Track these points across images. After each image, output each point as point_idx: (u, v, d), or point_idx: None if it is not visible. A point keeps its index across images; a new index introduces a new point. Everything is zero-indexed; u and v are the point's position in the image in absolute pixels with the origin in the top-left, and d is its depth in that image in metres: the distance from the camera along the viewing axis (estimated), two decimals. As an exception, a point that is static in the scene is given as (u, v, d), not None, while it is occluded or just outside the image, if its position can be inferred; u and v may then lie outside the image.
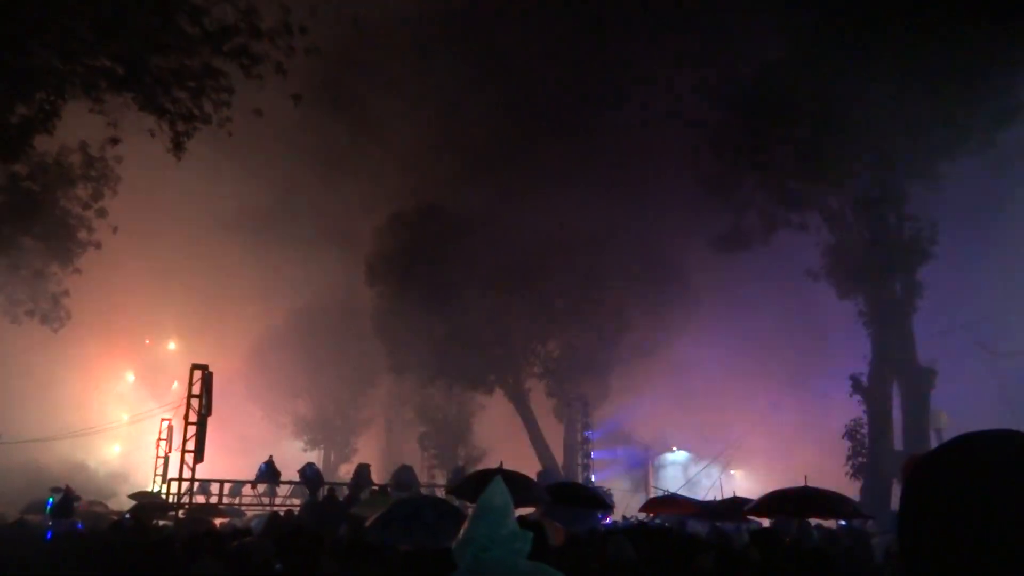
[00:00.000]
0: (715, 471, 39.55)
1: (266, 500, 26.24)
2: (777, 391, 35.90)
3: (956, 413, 26.57)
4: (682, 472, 40.77)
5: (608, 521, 22.48)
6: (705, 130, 29.27)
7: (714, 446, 39.82)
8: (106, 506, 27.11)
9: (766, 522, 14.65)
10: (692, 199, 31.11)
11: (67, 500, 22.40)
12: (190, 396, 26.19)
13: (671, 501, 19.08)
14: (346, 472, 28.92)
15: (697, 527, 16.95)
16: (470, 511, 3.46)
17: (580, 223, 33.78)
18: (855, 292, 27.18)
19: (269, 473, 25.87)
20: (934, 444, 22.41)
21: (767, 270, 31.68)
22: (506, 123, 33.60)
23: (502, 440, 33.58)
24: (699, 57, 29.73)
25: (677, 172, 33.05)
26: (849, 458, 26.64)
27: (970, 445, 1.32)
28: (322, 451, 43.92)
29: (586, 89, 33.65)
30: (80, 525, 17.76)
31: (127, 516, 17.98)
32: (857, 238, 27.18)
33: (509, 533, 3.25)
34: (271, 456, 26.49)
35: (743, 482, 35.38)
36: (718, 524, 16.24)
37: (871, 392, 26.45)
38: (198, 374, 26.46)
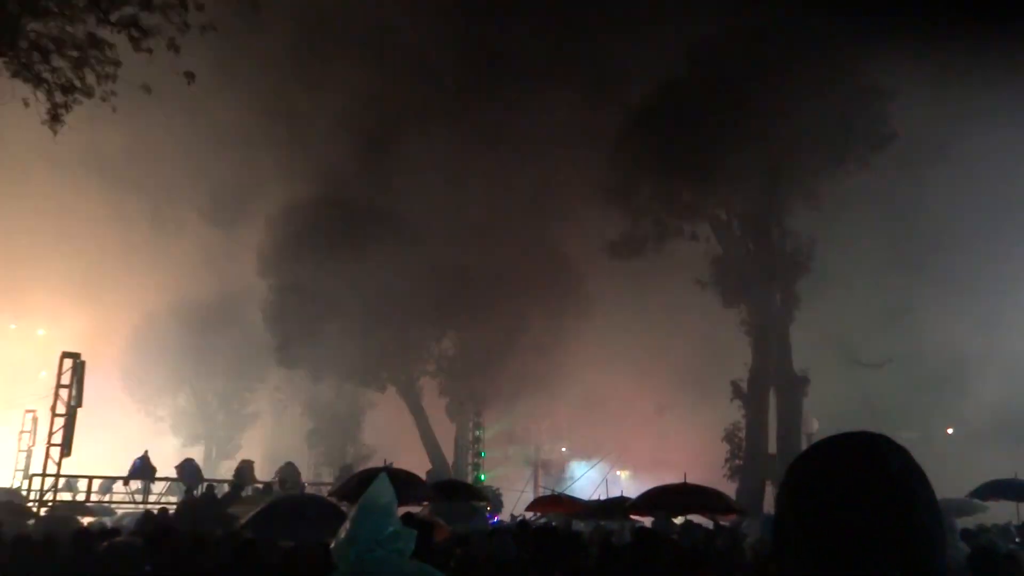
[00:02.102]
0: (603, 472, 40.56)
1: (139, 498, 24.96)
2: (664, 394, 37.10)
3: (825, 419, 28.32)
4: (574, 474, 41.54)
5: (495, 520, 22.65)
6: (605, 136, 29.99)
7: (603, 447, 40.83)
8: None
9: (648, 520, 15.13)
10: (590, 203, 31.78)
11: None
12: (59, 386, 24.65)
13: (557, 500, 19.43)
14: (228, 469, 27.88)
15: (581, 526, 17.33)
16: (352, 510, 3.39)
17: (475, 219, 33.94)
18: (739, 301, 28.46)
19: (143, 469, 24.68)
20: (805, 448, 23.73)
21: (660, 277, 32.71)
22: (398, 106, 33.56)
23: (393, 438, 33.21)
24: (598, 64, 30.52)
25: (574, 176, 33.71)
26: (727, 460, 27.84)
27: (832, 447, 1.40)
28: (203, 447, 42.15)
29: (482, 77, 33.82)
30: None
31: None
32: (742, 250, 28.50)
33: (392, 532, 3.21)
34: (146, 451, 25.25)
35: (629, 483, 36.36)
36: (602, 522, 16.64)
37: (750, 397, 27.75)
38: (69, 363, 24.93)
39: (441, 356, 34.11)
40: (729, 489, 24.74)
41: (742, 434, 27.96)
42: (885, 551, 1.23)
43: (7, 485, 26.87)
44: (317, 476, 33.13)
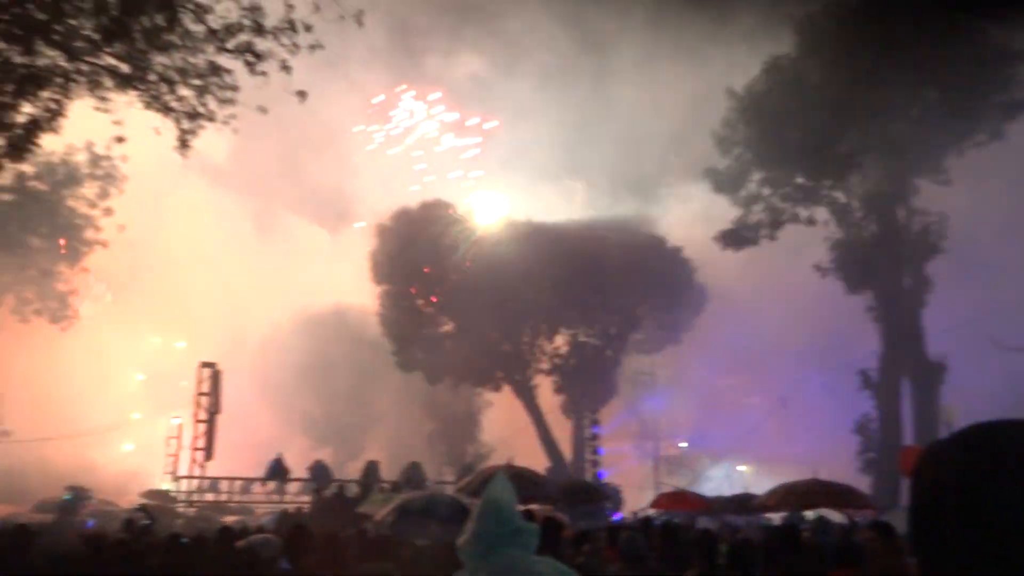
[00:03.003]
0: (725, 467, 39.54)
1: (276, 498, 26.26)
2: (786, 387, 35.81)
3: (967, 408, 26.45)
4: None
5: (618, 517, 22.46)
6: (711, 125, 29.21)
7: (723, 441, 39.79)
8: (117, 504, 27.21)
9: (777, 517, 14.62)
10: (698, 194, 31.05)
11: (76, 498, 22.54)
12: (199, 394, 26.32)
13: (680, 497, 19.02)
14: (355, 469, 28.91)
15: (706, 523, 16.88)
16: (475, 508, 3.42)
17: (584, 217, 33.84)
18: (864, 287, 27.06)
19: (278, 471, 25.91)
20: (945, 439, 22.26)
21: (774, 265, 31.56)
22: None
23: (510, 437, 33.53)
24: (703, 50, 29.73)
25: (683, 167, 33.01)
26: (859, 454, 26.54)
27: (987, 433, 1.22)
28: (331, 449, 43.93)
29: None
30: (91, 523, 17.83)
31: (138, 513, 18.00)
32: (865, 232, 27.07)
33: (516, 529, 3.21)
34: (280, 454, 26.52)
35: (752, 478, 35.26)
36: (728, 519, 16.20)
37: (880, 387, 26.33)
38: (207, 372, 26.59)
39: (554, 354, 34.13)
40: (862, 484, 23.55)
41: (874, 426, 26.55)
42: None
43: (159, 487, 28.92)
44: (439, 475, 33.88)
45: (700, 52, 31.24)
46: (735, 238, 29.53)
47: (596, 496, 13.01)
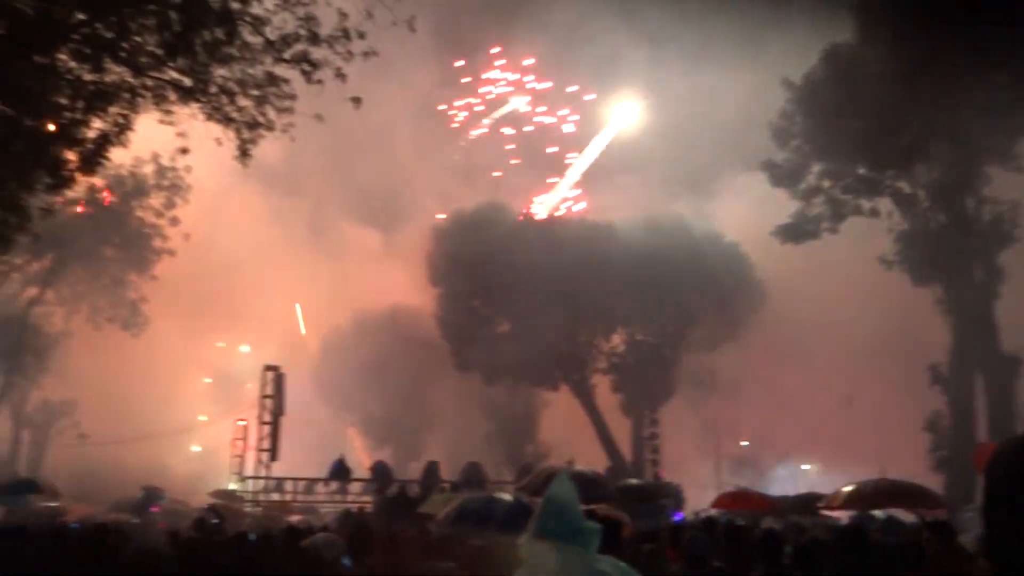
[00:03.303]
0: (789, 466, 38.71)
1: (339, 497, 26.72)
2: (851, 383, 34.85)
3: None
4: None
5: (679, 516, 22.20)
6: (769, 116, 28.65)
7: (787, 440, 38.95)
8: (188, 504, 28.06)
9: (844, 516, 14.25)
10: (756, 188, 30.50)
11: (149, 498, 23.35)
12: (263, 396, 26.96)
13: (743, 497, 18.69)
14: (415, 470, 29.23)
15: (771, 523, 16.56)
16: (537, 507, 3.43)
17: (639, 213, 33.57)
18: (932, 279, 26.18)
19: (340, 471, 26.34)
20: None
21: (836, 258, 30.76)
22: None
23: (569, 437, 33.46)
24: (758, 40, 29.18)
25: (739, 161, 32.47)
26: (930, 451, 25.68)
27: None
28: (391, 449, 44.51)
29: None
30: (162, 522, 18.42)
31: (208, 513, 18.55)
32: (933, 223, 26.17)
33: (577, 528, 3.21)
34: (342, 454, 26.96)
35: (817, 477, 34.43)
36: (793, 519, 15.84)
37: (952, 382, 25.43)
38: (271, 375, 27.22)
39: (611, 353, 33.92)
40: (934, 483, 22.77)
41: (946, 422, 25.65)
42: None
43: (226, 487, 29.73)
44: (499, 475, 34.00)
45: (755, 42, 30.69)
46: (795, 232, 28.92)
47: (656, 496, 12.87)
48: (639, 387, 32.29)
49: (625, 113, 41.24)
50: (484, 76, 46.33)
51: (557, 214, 38.64)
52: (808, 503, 17.04)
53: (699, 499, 27.73)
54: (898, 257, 26.72)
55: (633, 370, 32.78)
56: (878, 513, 14.42)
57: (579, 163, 43.93)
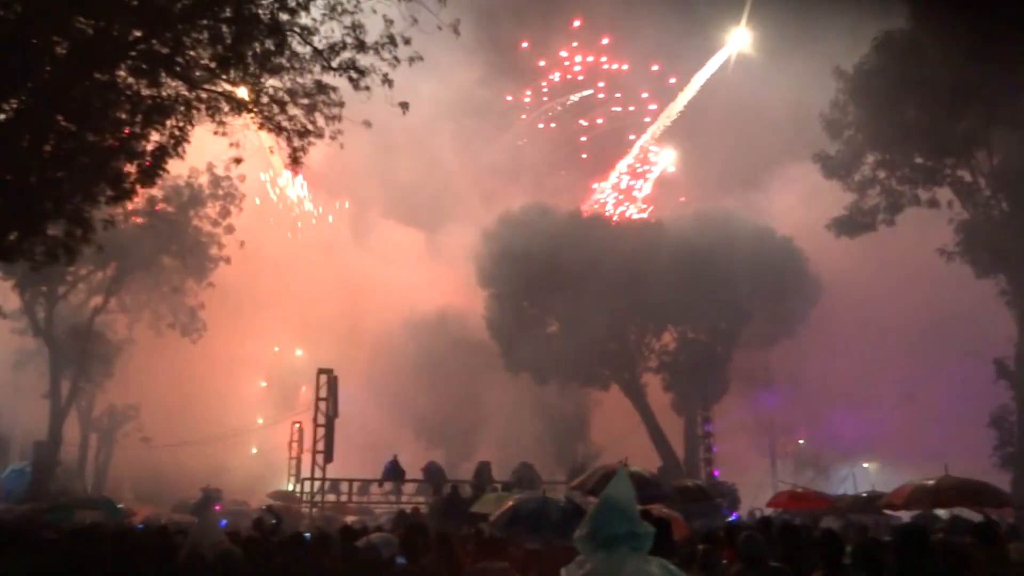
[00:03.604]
0: (848, 464, 37.82)
1: (393, 498, 27.05)
2: (911, 379, 33.90)
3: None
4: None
5: (734, 516, 21.91)
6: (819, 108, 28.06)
7: (846, 438, 38.07)
8: (247, 504, 28.72)
9: (905, 516, 13.88)
10: (807, 180, 29.91)
11: (208, 499, 23.98)
12: (318, 399, 27.43)
13: (801, 496, 18.33)
14: (468, 470, 29.40)
15: (830, 522, 16.22)
16: (591, 507, 3.44)
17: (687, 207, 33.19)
18: (995, 270, 25.30)
19: (394, 472, 26.66)
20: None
21: (894, 251, 29.97)
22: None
23: (620, 436, 33.24)
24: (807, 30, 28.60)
25: (791, 152, 31.87)
26: (996, 448, 24.83)
27: None
28: (443, 450, 44.83)
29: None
30: (224, 523, 18.87)
31: (267, 514, 18.97)
32: (995, 212, 25.29)
33: (631, 530, 3.21)
34: (395, 455, 27.28)
35: (877, 476, 33.57)
36: (853, 519, 15.51)
37: (1018, 376, 24.53)
38: (324, 378, 27.68)
39: (662, 352, 33.60)
40: (1001, 480, 22.01)
41: (1013, 418, 24.77)
42: None
43: (283, 488, 30.35)
44: (551, 475, 33.97)
45: (805, 32, 30.12)
46: (850, 225, 28.24)
47: (709, 495, 12.70)
48: (691, 385, 31.87)
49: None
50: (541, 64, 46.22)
51: (614, 210, 38.50)
52: (869, 502, 16.65)
53: (755, 498, 27.32)
54: (959, 248, 25.88)
55: (685, 368, 32.39)
56: (942, 512, 14.00)
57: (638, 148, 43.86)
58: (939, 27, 23.10)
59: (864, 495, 18.02)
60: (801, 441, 42.62)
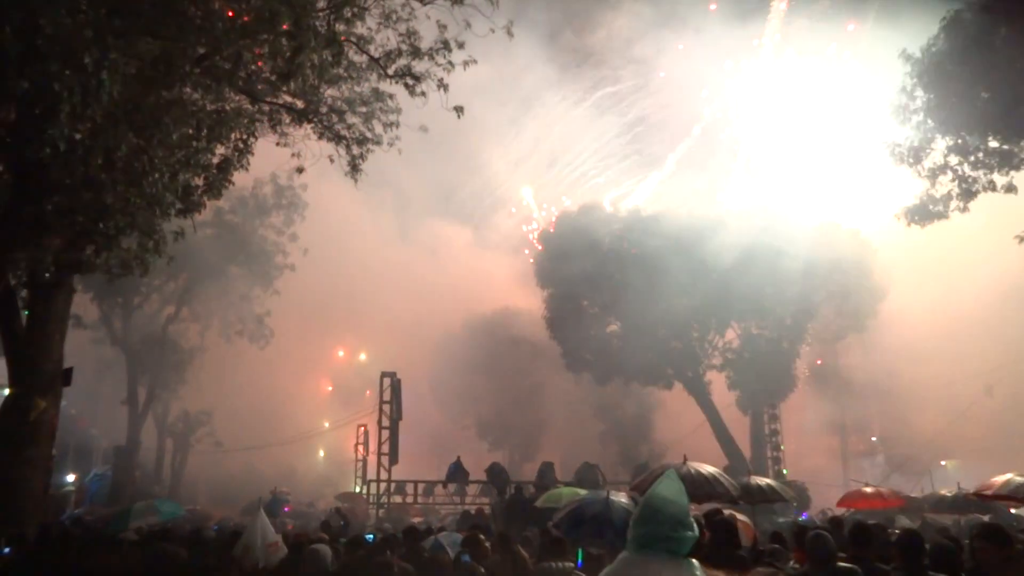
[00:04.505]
0: (925, 462, 36.53)
1: (457, 499, 27.28)
2: (990, 373, 32.56)
3: None
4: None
5: (804, 516, 21.41)
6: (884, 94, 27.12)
7: (920, 434, 36.78)
8: (315, 506, 29.37)
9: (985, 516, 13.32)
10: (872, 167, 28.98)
11: (275, 501, 24.59)
12: (381, 402, 27.86)
13: (873, 495, 17.76)
14: (531, 471, 29.44)
15: (906, 522, 15.70)
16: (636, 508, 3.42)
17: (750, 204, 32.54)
18: (1079, 256, 24.05)
19: (458, 473, 26.86)
20: None
21: (969, 239, 28.82)
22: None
23: (685, 435, 32.81)
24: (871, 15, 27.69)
25: (856, 141, 30.92)
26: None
27: None
28: (506, 451, 45.03)
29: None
30: (292, 523, 19.35)
31: (335, 516, 19.37)
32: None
33: (666, 532, 3.16)
34: (459, 457, 27.50)
35: (956, 473, 32.35)
36: (930, 518, 14.98)
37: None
38: (387, 381, 28.10)
39: (726, 349, 33.02)
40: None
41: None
42: None
43: (351, 490, 30.91)
44: (614, 476, 33.77)
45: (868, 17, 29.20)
46: (922, 213, 27.20)
47: (778, 494, 12.42)
48: (757, 383, 31.20)
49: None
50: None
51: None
52: (950, 501, 16.08)
53: (827, 497, 26.60)
54: (1038, 235, 24.67)
55: (749, 365, 31.74)
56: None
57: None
58: (1010, 3, 22.10)
59: (946, 494, 17.42)
60: (874, 439, 41.37)
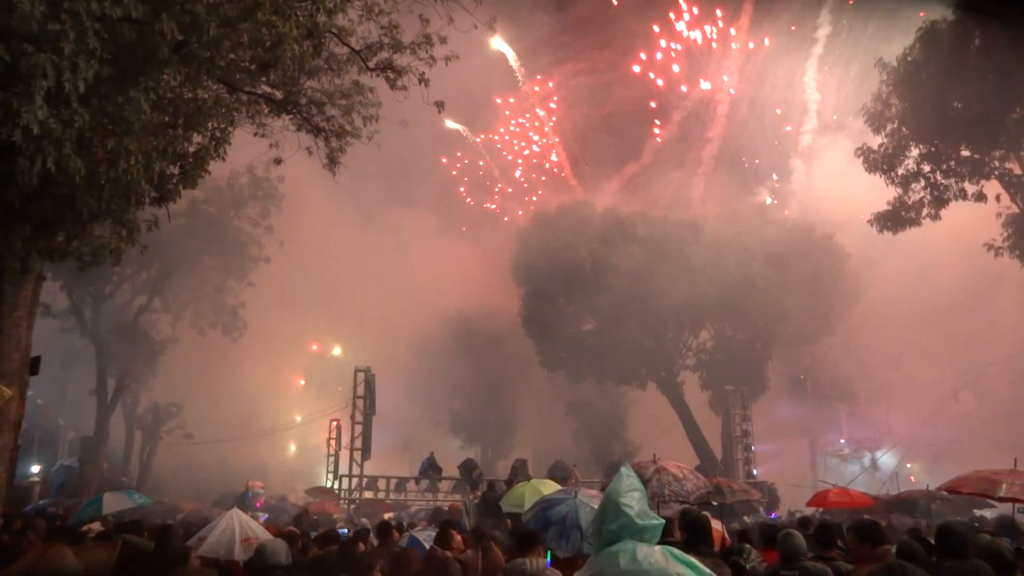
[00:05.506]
0: (892, 464, 37.10)
1: (429, 495, 27.24)
2: (956, 378, 33.16)
3: None
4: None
5: (773, 516, 21.68)
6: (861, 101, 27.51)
7: (888, 437, 37.38)
8: (287, 500, 29.17)
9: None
10: (849, 175, 29.38)
11: (247, 495, 24.41)
12: (355, 397, 27.75)
13: (841, 495, 18.01)
14: (504, 468, 29.49)
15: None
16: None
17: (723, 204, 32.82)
18: (1047, 265, 24.61)
19: (431, 469, 26.83)
20: None
21: (937, 245, 29.32)
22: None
23: (658, 435, 33.05)
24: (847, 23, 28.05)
25: (831, 147, 31.29)
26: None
27: None
28: (479, 448, 45.03)
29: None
30: (265, 517, 19.21)
31: (304, 510, 19.24)
32: (1047, 205, 24.60)
33: (630, 523, 3.22)
34: (432, 453, 27.47)
35: (923, 477, 32.91)
36: (895, 518, 15.22)
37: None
38: (361, 376, 27.99)
39: (700, 350, 33.29)
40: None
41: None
42: None
43: (321, 484, 30.73)
44: (587, 473, 33.91)
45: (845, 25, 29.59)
46: (894, 220, 27.64)
47: (747, 494, 12.55)
48: (729, 384, 31.53)
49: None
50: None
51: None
52: (913, 500, 16.33)
53: (796, 498, 26.95)
54: (1008, 243, 25.20)
55: (722, 366, 32.05)
56: (987, 514, 13.63)
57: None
58: (986, 15, 22.51)
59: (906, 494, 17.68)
60: (842, 441, 41.96)
